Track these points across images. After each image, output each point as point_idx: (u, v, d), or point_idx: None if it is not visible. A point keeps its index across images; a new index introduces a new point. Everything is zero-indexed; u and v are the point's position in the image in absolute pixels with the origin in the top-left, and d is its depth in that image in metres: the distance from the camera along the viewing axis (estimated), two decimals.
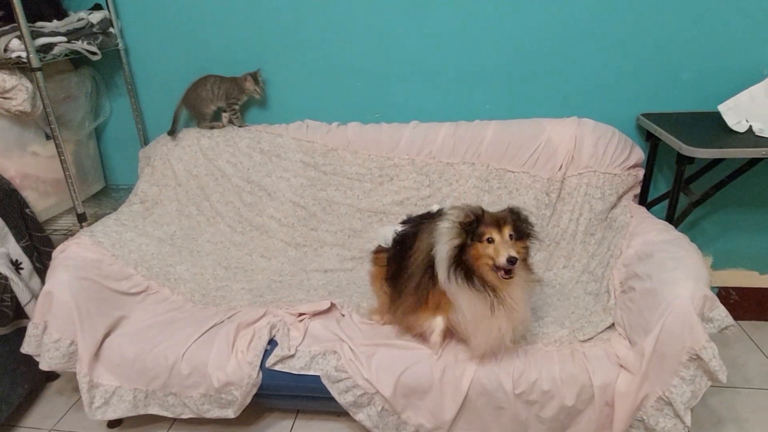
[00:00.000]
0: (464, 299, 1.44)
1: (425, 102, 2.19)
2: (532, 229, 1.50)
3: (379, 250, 1.78)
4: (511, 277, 1.41)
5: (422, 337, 1.59)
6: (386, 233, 1.72)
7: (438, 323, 1.53)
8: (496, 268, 1.41)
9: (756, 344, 2.18)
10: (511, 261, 1.37)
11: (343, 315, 1.73)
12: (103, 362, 1.68)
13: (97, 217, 2.09)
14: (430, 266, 1.46)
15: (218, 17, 2.16)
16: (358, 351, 1.55)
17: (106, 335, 1.72)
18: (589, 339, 1.59)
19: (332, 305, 1.76)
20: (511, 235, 1.43)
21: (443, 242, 1.43)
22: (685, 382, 1.41)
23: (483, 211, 1.45)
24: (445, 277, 1.42)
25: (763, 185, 2.13)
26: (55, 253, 1.77)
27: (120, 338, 1.71)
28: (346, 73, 2.18)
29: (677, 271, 1.49)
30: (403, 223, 1.73)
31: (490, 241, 1.41)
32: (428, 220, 1.62)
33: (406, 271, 1.54)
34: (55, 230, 2.10)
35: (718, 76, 2.01)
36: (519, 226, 1.46)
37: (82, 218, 2.02)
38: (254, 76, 2.13)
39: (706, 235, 2.25)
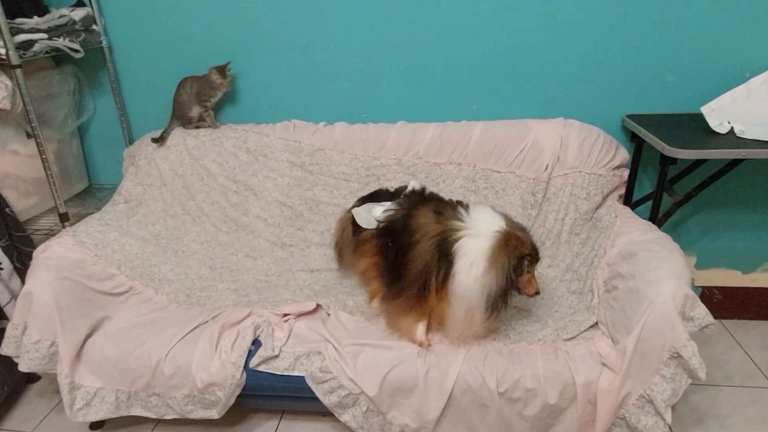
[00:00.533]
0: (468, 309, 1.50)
1: (412, 102, 2.19)
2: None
3: (363, 238, 1.76)
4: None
5: (407, 336, 1.61)
6: (366, 214, 1.72)
7: (423, 324, 1.58)
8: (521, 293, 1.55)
9: (738, 342, 2.21)
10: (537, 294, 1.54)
11: (329, 315, 1.72)
12: (84, 363, 1.66)
13: (80, 217, 2.07)
14: (428, 272, 1.50)
15: (204, 15, 2.15)
16: (344, 351, 1.55)
17: (88, 336, 1.70)
18: (572, 338, 1.60)
19: (318, 306, 1.75)
20: None
21: (493, 271, 1.46)
22: (665, 380, 1.42)
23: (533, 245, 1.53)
24: (486, 307, 1.48)
25: (745, 185, 2.16)
26: (35, 253, 1.75)
27: (102, 339, 1.69)
28: (333, 73, 2.17)
29: (660, 271, 1.50)
30: (375, 200, 1.76)
31: (528, 272, 1.53)
32: (414, 201, 1.67)
33: (403, 272, 1.55)
34: (37, 230, 2.07)
35: (701, 78, 2.04)
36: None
37: (64, 218, 1.99)
38: (220, 70, 2.09)
39: (690, 235, 2.28)
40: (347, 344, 1.57)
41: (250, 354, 1.61)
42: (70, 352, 1.63)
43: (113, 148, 2.38)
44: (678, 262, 1.54)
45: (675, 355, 1.41)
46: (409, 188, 1.80)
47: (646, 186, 2.22)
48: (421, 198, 1.73)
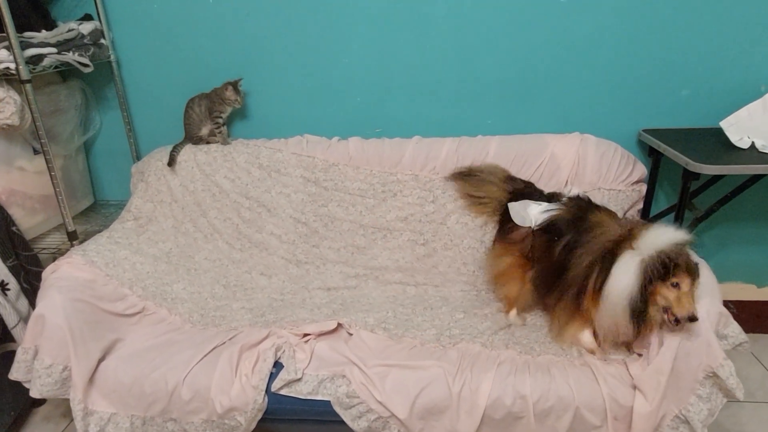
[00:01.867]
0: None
1: (426, 117, 2.17)
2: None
3: (513, 238, 1.75)
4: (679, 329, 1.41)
5: (576, 343, 1.60)
6: (521, 211, 1.72)
7: (589, 330, 1.57)
8: (671, 316, 1.39)
9: (756, 357, 2.20)
10: (692, 319, 1.34)
11: (351, 334, 1.68)
12: (97, 388, 1.60)
13: (87, 235, 2.01)
14: (590, 272, 1.48)
15: (214, 30, 2.12)
16: (370, 373, 1.50)
17: (101, 359, 1.64)
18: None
19: (339, 325, 1.71)
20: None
21: (637, 277, 1.39)
22: (701, 400, 1.40)
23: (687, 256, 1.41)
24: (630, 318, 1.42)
25: (761, 200, 2.16)
26: (45, 274, 1.69)
27: (116, 362, 1.63)
28: (346, 87, 2.15)
29: None
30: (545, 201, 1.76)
31: (675, 285, 1.38)
32: (585, 205, 1.67)
33: (561, 275, 1.54)
34: (43, 249, 2.01)
35: (716, 92, 2.04)
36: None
37: (72, 236, 1.93)
38: (234, 85, 2.07)
39: (705, 249, 2.27)
40: (373, 365, 1.53)
41: (271, 377, 1.55)
42: (84, 377, 1.56)
43: (120, 164, 2.33)
44: (708, 279, 1.53)
45: (710, 375, 1.39)
46: (573, 192, 1.79)
47: (662, 201, 2.21)
48: (590, 203, 1.70)
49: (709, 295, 1.46)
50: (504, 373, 1.50)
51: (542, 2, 1.97)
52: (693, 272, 1.40)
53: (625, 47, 2.01)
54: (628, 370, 1.50)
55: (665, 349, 1.42)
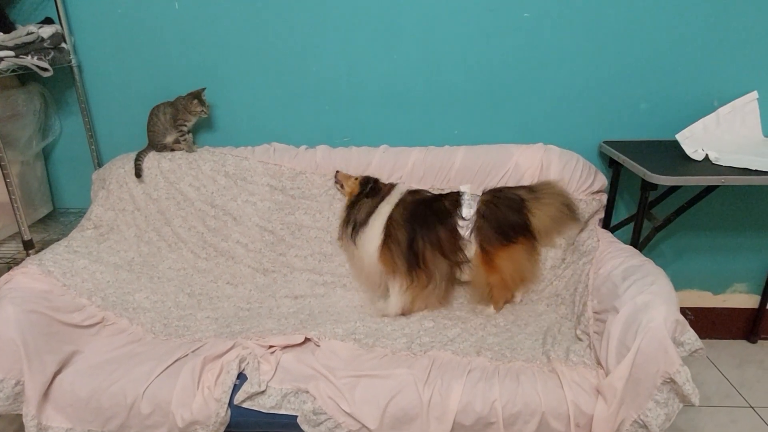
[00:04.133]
0: None
1: (394, 126, 2.18)
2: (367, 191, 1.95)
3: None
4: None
5: None
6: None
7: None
8: None
9: (712, 362, 2.27)
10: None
11: (318, 345, 1.66)
12: (52, 402, 1.54)
13: (45, 244, 1.95)
14: None
15: (179, 35, 2.09)
16: (339, 384, 1.49)
17: (57, 372, 1.58)
18: (563, 363, 1.60)
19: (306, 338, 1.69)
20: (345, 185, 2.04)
21: None
22: (659, 405, 1.43)
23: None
24: None
25: (717, 210, 2.24)
26: None
27: (72, 375, 1.57)
28: (314, 95, 2.15)
29: (649, 296, 1.51)
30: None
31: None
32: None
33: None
34: None
35: (672, 106, 2.12)
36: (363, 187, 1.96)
37: (28, 245, 1.87)
38: (198, 96, 2.04)
39: (663, 258, 2.34)
40: (342, 376, 1.51)
41: (235, 389, 1.53)
42: (38, 392, 1.50)
43: (80, 171, 2.27)
44: (666, 287, 1.57)
45: (668, 380, 1.42)
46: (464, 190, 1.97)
47: (621, 210, 2.27)
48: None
49: (666, 303, 1.49)
50: (474, 380, 1.51)
51: (507, 17, 2.02)
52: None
53: (586, 61, 2.07)
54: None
55: (622, 355, 1.46)
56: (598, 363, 1.58)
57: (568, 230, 1.99)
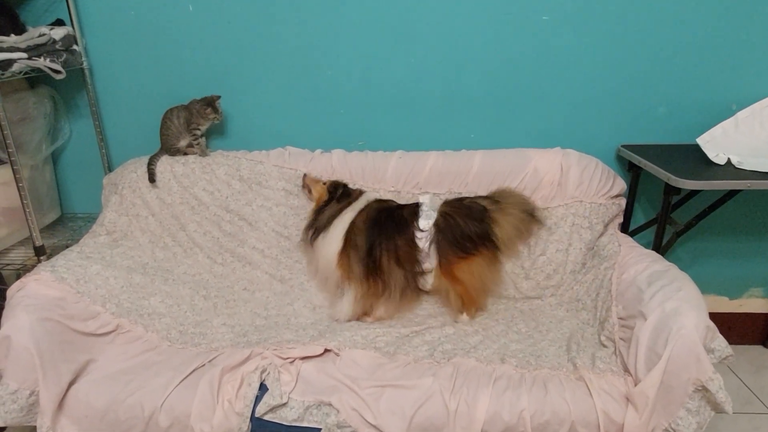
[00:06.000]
0: None
1: (410, 130, 2.16)
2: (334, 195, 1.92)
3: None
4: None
5: None
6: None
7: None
8: None
9: (730, 368, 2.24)
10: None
11: (338, 355, 1.62)
12: (67, 414, 1.50)
13: (53, 249, 1.91)
14: None
15: (192, 37, 2.06)
16: (364, 394, 1.45)
17: (72, 382, 1.53)
18: (590, 370, 1.57)
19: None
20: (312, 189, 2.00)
21: None
22: (690, 413, 1.40)
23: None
24: None
25: (735, 215, 2.22)
26: (11, 292, 1.58)
27: (87, 385, 1.53)
28: (329, 99, 2.12)
29: (678, 302, 1.49)
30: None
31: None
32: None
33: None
34: (7, 265, 1.89)
35: (691, 110, 2.10)
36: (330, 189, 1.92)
37: (40, 251, 1.82)
38: (211, 104, 2.01)
39: (680, 262, 2.30)
40: (366, 386, 1.48)
41: (255, 400, 1.48)
42: (53, 402, 1.46)
43: (90, 176, 2.23)
44: (694, 292, 1.54)
45: (700, 388, 1.39)
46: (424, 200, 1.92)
47: (639, 215, 2.25)
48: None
49: (695, 309, 1.47)
50: (501, 389, 1.48)
51: (526, 19, 2.00)
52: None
53: (604, 64, 2.05)
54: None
55: (653, 362, 1.43)
56: (625, 370, 1.55)
57: (532, 236, 2.00)
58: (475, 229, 1.82)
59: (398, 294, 1.85)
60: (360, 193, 1.96)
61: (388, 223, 1.85)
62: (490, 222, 1.85)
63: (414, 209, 1.88)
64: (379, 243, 1.82)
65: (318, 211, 1.92)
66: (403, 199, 2.02)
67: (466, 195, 2.01)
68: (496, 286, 1.99)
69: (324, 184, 1.97)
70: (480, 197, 1.94)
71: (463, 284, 1.83)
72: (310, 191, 1.99)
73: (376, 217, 1.86)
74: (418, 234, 1.85)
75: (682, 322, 1.43)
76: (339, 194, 1.92)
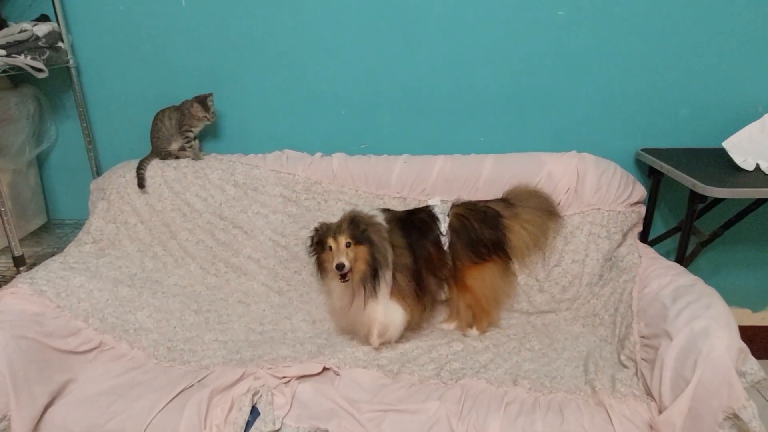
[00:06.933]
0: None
1: (415, 133, 2.05)
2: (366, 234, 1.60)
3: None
4: (345, 281, 1.56)
5: None
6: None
7: None
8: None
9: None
10: (338, 267, 1.52)
11: (338, 374, 1.50)
12: None
13: (38, 259, 1.80)
14: None
15: (185, 34, 1.96)
16: (363, 419, 1.34)
17: (48, 405, 1.43)
18: (610, 394, 1.45)
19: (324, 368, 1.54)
20: (348, 243, 1.57)
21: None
22: None
23: (323, 224, 1.64)
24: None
25: (759, 223, 2.11)
26: None
27: (66, 409, 1.42)
28: (329, 99, 2.02)
29: (707, 321, 1.38)
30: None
31: (330, 249, 1.58)
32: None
33: None
34: None
35: (715, 112, 1.98)
36: (356, 233, 1.58)
37: (19, 261, 1.72)
38: (203, 102, 1.90)
39: (700, 273, 2.17)
40: (367, 410, 1.36)
41: (246, 426, 1.37)
42: (27, 428, 1.36)
43: (77, 180, 2.14)
44: (724, 311, 1.43)
45: (731, 416, 1.28)
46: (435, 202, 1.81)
47: (658, 223, 2.13)
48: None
49: (727, 329, 1.35)
50: (513, 414, 1.37)
51: (540, 15, 1.89)
52: (337, 233, 1.58)
53: (623, 64, 1.94)
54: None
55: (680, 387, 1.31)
56: (648, 394, 1.44)
57: (553, 236, 1.88)
58: (489, 235, 1.72)
59: (431, 303, 1.77)
60: (370, 216, 1.66)
61: (413, 230, 1.71)
62: (503, 229, 1.74)
63: (428, 212, 1.76)
64: (418, 254, 1.69)
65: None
66: (410, 206, 1.90)
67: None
68: (509, 298, 1.87)
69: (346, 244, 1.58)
70: (493, 200, 1.84)
71: (474, 293, 1.72)
72: (347, 272, 1.56)
73: (403, 227, 1.71)
74: (442, 239, 1.73)
75: (712, 343, 1.32)
76: (361, 232, 1.60)
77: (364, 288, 1.58)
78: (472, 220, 1.74)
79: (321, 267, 1.65)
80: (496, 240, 1.73)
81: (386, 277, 1.61)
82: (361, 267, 1.58)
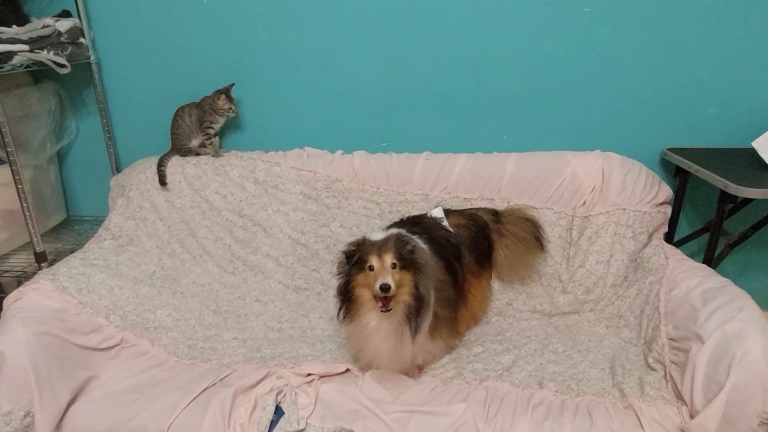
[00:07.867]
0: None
1: (437, 131, 2.03)
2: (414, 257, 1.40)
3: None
4: (387, 310, 1.33)
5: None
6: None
7: None
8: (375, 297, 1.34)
9: None
10: (383, 288, 1.28)
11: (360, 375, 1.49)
12: None
13: (57, 254, 1.80)
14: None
15: (206, 31, 1.95)
16: (389, 420, 1.32)
17: (71, 402, 1.42)
18: (639, 397, 1.42)
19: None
20: (393, 264, 1.35)
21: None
22: None
23: (364, 239, 1.41)
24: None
25: None
26: (7, 302, 1.48)
27: (88, 406, 1.42)
28: (350, 96, 2.00)
29: (740, 323, 1.35)
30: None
31: (371, 269, 1.35)
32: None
33: None
34: (6, 272, 1.79)
35: (741, 111, 1.94)
36: (403, 253, 1.37)
37: (41, 258, 1.71)
38: (226, 93, 1.90)
39: (724, 275, 2.13)
40: (392, 411, 1.34)
41: (271, 425, 1.35)
42: (50, 425, 1.35)
43: (97, 176, 2.14)
44: (757, 313, 1.39)
45: (766, 421, 1.24)
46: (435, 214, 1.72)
47: (683, 224, 2.09)
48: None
49: (761, 332, 1.31)
50: (540, 417, 1.35)
51: (565, 12, 1.86)
52: (382, 251, 1.36)
53: (649, 62, 1.90)
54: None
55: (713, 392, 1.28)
56: (678, 397, 1.40)
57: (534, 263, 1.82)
58: (484, 247, 1.71)
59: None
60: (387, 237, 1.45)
61: (441, 249, 1.58)
62: (491, 241, 1.74)
63: (436, 222, 1.71)
64: (452, 278, 1.56)
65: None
66: (431, 203, 1.88)
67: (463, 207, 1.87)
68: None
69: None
70: (482, 209, 1.82)
71: (472, 308, 1.69)
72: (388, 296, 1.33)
73: (434, 248, 1.54)
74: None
75: (747, 347, 1.29)
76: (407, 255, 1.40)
77: (408, 324, 1.36)
78: (471, 232, 1.70)
79: (350, 295, 1.37)
80: (488, 251, 1.72)
81: (429, 313, 1.41)
82: (405, 299, 1.35)
